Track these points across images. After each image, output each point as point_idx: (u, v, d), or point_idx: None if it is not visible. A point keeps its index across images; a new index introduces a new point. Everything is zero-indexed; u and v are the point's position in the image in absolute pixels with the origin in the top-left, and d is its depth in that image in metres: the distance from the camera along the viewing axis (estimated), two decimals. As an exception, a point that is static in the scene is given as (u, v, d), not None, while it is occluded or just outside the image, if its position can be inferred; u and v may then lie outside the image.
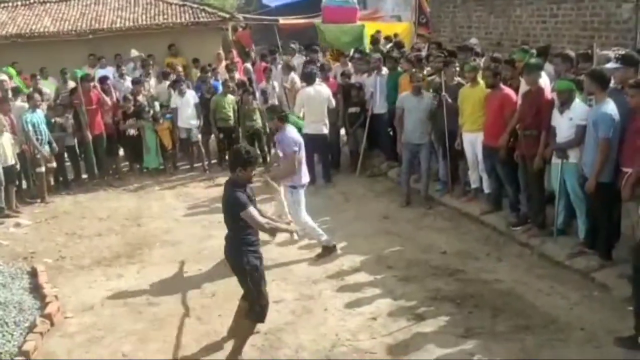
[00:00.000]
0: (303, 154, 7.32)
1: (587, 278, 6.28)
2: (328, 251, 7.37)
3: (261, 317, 5.27)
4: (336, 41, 14.11)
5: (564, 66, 7.25)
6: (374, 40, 13.23)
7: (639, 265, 4.85)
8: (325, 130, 9.96)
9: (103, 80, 11.59)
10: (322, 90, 9.90)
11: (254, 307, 5.24)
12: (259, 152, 11.39)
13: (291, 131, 7.25)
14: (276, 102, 11.65)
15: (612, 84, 6.35)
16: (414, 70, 9.15)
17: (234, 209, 5.04)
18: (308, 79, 9.95)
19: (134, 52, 14.64)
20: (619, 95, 6.04)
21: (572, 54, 7.49)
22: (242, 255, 5.13)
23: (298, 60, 13.14)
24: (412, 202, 8.96)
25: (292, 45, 14.37)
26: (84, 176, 11.26)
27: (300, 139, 7.33)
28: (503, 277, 6.53)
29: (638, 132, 5.62)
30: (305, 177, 7.43)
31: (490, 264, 6.90)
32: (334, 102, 10.09)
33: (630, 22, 8.62)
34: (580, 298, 5.96)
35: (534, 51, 8.22)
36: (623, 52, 6.62)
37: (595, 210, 6.40)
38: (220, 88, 11.65)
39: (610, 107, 5.99)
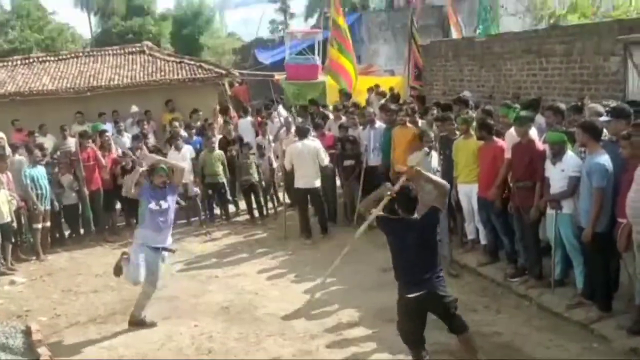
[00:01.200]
0: None
1: (586, 329, 6.22)
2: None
3: None
4: (299, 97, 14.43)
5: (555, 118, 7.38)
6: (382, 94, 13.43)
7: None
8: (317, 184, 10.02)
9: (102, 133, 11.71)
10: (310, 144, 9.98)
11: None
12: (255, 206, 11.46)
13: None
14: (272, 156, 11.79)
15: (606, 136, 6.47)
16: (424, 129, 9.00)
17: None
18: (301, 133, 10.08)
19: (134, 108, 14.82)
20: (614, 147, 6.12)
21: (562, 106, 7.63)
22: None
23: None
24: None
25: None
26: (81, 232, 11.24)
27: None
28: (502, 330, 6.47)
29: (631, 182, 5.67)
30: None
31: (489, 316, 6.85)
32: (324, 158, 10.04)
33: (618, 75, 8.81)
34: (580, 350, 5.90)
35: (517, 106, 8.35)
36: (614, 105, 6.76)
37: (592, 260, 6.40)
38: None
39: (604, 158, 6.07)
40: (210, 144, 11.43)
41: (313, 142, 10.10)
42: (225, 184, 11.54)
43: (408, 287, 5.25)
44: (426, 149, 7.71)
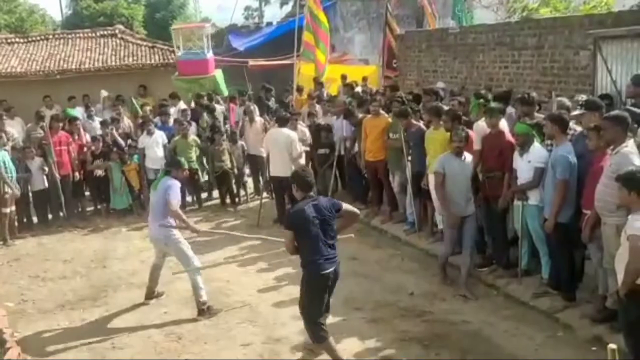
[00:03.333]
0: None
1: (551, 318, 6.36)
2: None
3: None
4: (189, 93, 14.36)
5: (528, 109, 7.44)
6: (350, 86, 13.38)
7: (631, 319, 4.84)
8: (290, 172, 10.02)
9: (72, 120, 11.56)
10: (286, 133, 9.98)
11: None
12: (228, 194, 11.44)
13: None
14: (244, 143, 11.74)
15: (572, 130, 6.59)
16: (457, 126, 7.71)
17: None
18: (280, 121, 10.14)
19: (104, 93, 14.62)
20: (585, 140, 6.23)
21: (534, 94, 7.73)
22: None
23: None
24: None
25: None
26: (49, 217, 11.10)
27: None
28: (470, 318, 6.57)
29: (597, 174, 5.79)
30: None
31: (458, 305, 6.95)
32: (298, 148, 10.00)
33: (588, 68, 8.95)
34: (545, 338, 6.03)
35: (489, 97, 8.48)
36: (586, 98, 6.88)
37: (557, 251, 6.53)
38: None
39: (568, 150, 6.19)
40: (184, 130, 11.33)
41: (288, 131, 10.09)
42: (199, 170, 11.48)
43: (321, 264, 5.39)
44: None
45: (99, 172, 11.16)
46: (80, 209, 11.47)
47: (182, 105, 13.36)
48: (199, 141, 11.37)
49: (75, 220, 11.15)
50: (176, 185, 7.08)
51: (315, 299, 5.53)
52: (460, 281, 7.29)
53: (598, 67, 8.71)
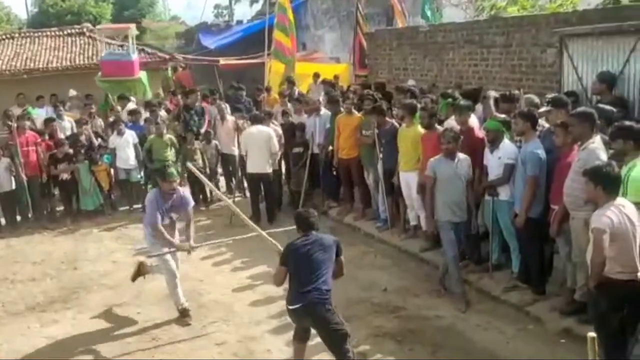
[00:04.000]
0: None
1: (521, 312, 6.48)
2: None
3: None
4: (113, 94, 14.26)
5: (509, 106, 7.52)
6: (330, 83, 13.38)
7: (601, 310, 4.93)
8: (269, 169, 10.08)
9: (48, 121, 11.40)
10: (264, 130, 10.03)
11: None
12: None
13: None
14: (218, 143, 11.68)
15: (547, 125, 6.72)
16: (445, 128, 7.43)
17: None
18: (255, 119, 10.20)
19: (72, 92, 14.44)
20: (552, 137, 6.35)
21: (514, 92, 7.87)
22: None
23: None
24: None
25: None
26: (17, 219, 10.92)
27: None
28: (443, 313, 6.66)
29: (564, 170, 5.91)
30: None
31: (431, 301, 7.03)
32: (276, 145, 10.14)
33: (554, 66, 9.10)
34: (516, 332, 6.14)
35: (457, 95, 8.62)
36: (553, 95, 7.01)
37: (527, 245, 6.66)
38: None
39: (538, 146, 6.31)
40: (159, 129, 11.23)
41: (266, 128, 10.14)
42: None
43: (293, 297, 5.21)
44: None
45: (65, 176, 10.95)
46: (49, 210, 11.28)
47: (131, 105, 13.20)
48: (175, 140, 11.26)
49: (45, 221, 10.97)
50: (151, 199, 6.85)
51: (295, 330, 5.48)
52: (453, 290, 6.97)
53: (564, 65, 8.84)
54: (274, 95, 13.62)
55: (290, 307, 5.15)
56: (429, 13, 14.65)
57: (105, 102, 14.09)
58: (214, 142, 11.61)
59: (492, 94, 7.98)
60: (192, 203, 7.18)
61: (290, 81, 13.82)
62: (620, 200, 4.73)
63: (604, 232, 4.56)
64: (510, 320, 6.38)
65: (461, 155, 6.90)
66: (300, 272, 5.13)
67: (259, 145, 9.98)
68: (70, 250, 9.58)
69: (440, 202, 6.85)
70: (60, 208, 11.51)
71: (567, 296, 6.20)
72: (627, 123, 5.48)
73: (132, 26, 16.13)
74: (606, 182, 4.66)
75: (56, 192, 11.45)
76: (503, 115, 7.28)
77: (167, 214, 6.86)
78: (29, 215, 10.90)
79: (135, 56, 15.03)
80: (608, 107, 6.40)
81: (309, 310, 5.06)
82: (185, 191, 7.20)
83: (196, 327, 6.69)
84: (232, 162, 11.62)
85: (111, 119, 12.18)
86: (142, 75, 14.98)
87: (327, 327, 5.08)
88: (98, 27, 18.26)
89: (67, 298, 7.68)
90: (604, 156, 5.37)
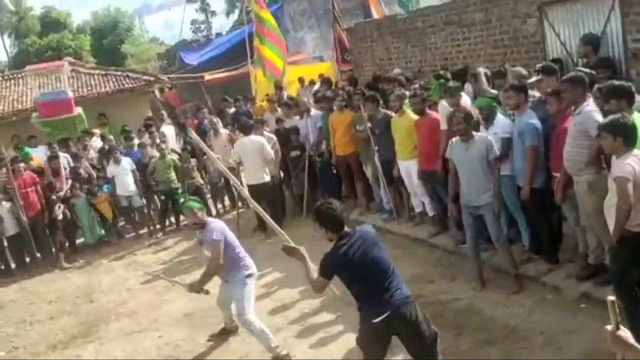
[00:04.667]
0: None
1: (538, 282, 6.49)
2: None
3: None
4: (55, 134, 14.13)
5: (501, 81, 7.51)
6: (328, 81, 13.36)
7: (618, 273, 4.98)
8: (267, 178, 10.06)
9: (52, 160, 11.43)
10: (255, 139, 10.04)
11: None
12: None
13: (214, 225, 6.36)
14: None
15: (537, 94, 6.73)
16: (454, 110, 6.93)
17: None
18: (245, 129, 10.13)
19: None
20: (544, 105, 6.37)
21: (481, 70, 7.90)
22: None
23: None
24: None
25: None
26: (27, 260, 10.92)
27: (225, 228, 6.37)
28: (460, 295, 6.67)
29: (561, 136, 5.92)
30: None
31: (446, 284, 7.05)
32: (270, 152, 10.09)
33: (537, 36, 9.12)
34: (535, 303, 6.15)
35: (449, 76, 8.63)
36: (542, 64, 7.03)
37: (533, 216, 6.67)
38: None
39: (532, 117, 6.32)
40: (161, 150, 11.29)
41: (257, 137, 10.14)
42: (179, 190, 11.46)
43: (371, 311, 4.57)
44: None
45: (60, 217, 10.90)
46: (59, 247, 11.24)
47: (97, 142, 13.19)
48: (177, 160, 11.31)
49: (54, 259, 10.96)
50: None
51: (369, 350, 4.74)
52: (511, 272, 6.61)
53: (546, 33, 8.87)
54: (260, 104, 13.65)
55: (377, 320, 4.44)
56: (404, 0, 14.65)
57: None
58: (204, 158, 11.64)
59: (482, 70, 7.99)
60: (213, 237, 6.17)
61: (277, 86, 13.84)
62: (636, 151, 4.74)
63: (627, 180, 4.59)
64: (528, 292, 6.38)
65: (478, 136, 6.47)
66: (368, 279, 4.50)
67: (251, 155, 9.96)
68: (84, 284, 9.60)
69: (460, 185, 6.65)
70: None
71: (581, 261, 6.21)
72: (617, 83, 5.50)
73: (65, 64, 16.06)
74: (626, 133, 4.68)
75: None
76: (493, 91, 7.29)
77: (203, 247, 6.40)
78: (37, 256, 10.88)
79: (70, 93, 14.90)
80: (586, 70, 6.41)
81: (399, 314, 4.46)
82: (215, 225, 6.31)
83: (219, 342, 6.69)
84: (232, 174, 11.61)
85: (106, 148, 12.19)
86: (79, 110, 14.82)
87: (419, 330, 4.53)
88: (28, 67, 17.95)
89: (87, 332, 7.70)
90: (599, 117, 5.38)
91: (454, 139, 6.66)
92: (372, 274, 4.52)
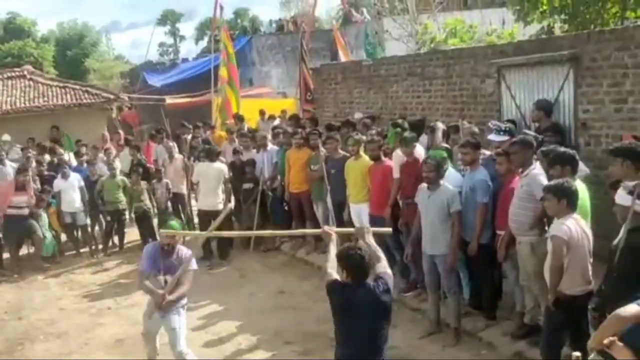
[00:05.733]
0: None
1: (475, 338, 6.55)
2: None
3: None
4: None
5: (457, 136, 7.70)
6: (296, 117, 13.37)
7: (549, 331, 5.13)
8: (220, 206, 9.99)
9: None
10: (216, 166, 10.11)
11: None
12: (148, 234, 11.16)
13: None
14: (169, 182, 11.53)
15: (488, 153, 6.92)
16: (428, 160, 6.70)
17: None
18: (209, 155, 10.22)
19: (6, 137, 14.05)
20: (494, 164, 6.54)
21: (440, 126, 8.10)
22: None
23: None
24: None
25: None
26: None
27: None
28: (398, 344, 6.63)
29: (508, 196, 6.08)
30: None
31: (385, 331, 7.03)
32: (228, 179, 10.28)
33: (494, 95, 9.40)
34: (470, 357, 6.21)
35: (406, 125, 8.81)
36: (507, 125, 7.26)
37: (478, 272, 6.78)
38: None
39: (485, 174, 6.48)
40: (112, 170, 11.11)
41: (220, 164, 10.27)
42: (126, 211, 11.24)
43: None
44: None
45: None
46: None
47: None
48: (127, 181, 11.13)
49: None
50: (147, 249, 6.24)
51: None
52: (451, 324, 6.66)
53: (503, 94, 9.15)
54: (219, 132, 13.63)
55: None
56: (369, 48, 14.97)
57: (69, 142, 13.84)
58: (164, 180, 11.48)
59: (441, 126, 8.17)
60: (193, 266, 6.18)
61: (238, 117, 13.86)
62: (576, 215, 4.92)
63: (562, 240, 4.76)
64: (464, 346, 6.44)
65: (444, 186, 6.49)
66: (343, 333, 4.41)
67: (211, 181, 9.96)
68: (14, 299, 9.23)
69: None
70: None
71: (518, 320, 6.31)
72: (563, 149, 5.70)
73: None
74: (569, 196, 4.86)
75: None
76: (445, 145, 7.46)
77: (160, 273, 5.99)
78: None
79: None
80: (533, 134, 6.66)
81: None
82: (188, 252, 6.18)
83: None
84: (181, 201, 11.50)
85: (55, 162, 11.92)
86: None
87: None
88: None
89: (11, 350, 7.38)
90: (545, 180, 5.55)
91: (422, 185, 6.69)
92: (344, 332, 4.38)
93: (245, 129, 13.27)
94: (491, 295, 6.75)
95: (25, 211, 10.36)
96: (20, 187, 10.46)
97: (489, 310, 6.71)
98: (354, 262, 4.25)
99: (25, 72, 18.05)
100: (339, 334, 4.44)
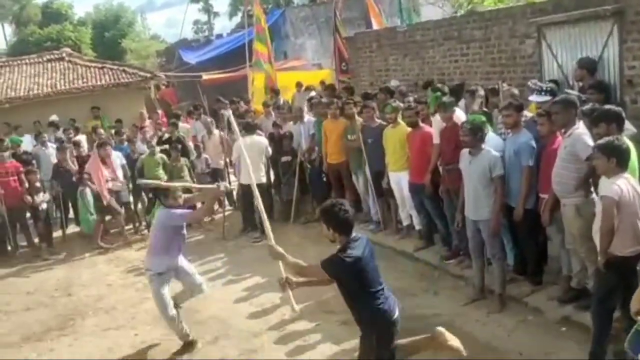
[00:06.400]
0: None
1: (520, 303, 6.45)
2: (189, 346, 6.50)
3: None
4: None
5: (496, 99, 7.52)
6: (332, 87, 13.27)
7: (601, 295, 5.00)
8: (264, 179, 10.08)
9: (27, 162, 11.19)
10: (257, 139, 10.14)
11: None
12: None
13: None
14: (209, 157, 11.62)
15: (529, 114, 6.72)
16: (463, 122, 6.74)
17: None
18: (248, 129, 10.17)
19: (54, 117, 14.37)
20: (535, 126, 6.35)
21: (481, 92, 7.91)
22: None
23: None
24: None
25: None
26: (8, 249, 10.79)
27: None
28: (441, 311, 6.62)
29: (550, 158, 5.90)
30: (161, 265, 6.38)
31: (428, 299, 7.00)
32: (270, 152, 10.34)
33: (534, 56, 9.12)
34: (516, 324, 6.11)
35: (446, 90, 8.61)
36: (549, 85, 7.03)
37: (522, 237, 6.63)
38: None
39: (529, 136, 6.28)
40: (151, 147, 11.24)
41: (261, 138, 10.31)
42: None
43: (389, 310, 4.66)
44: None
45: (43, 205, 10.76)
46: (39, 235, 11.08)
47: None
48: (166, 158, 11.24)
49: (34, 249, 10.81)
50: (175, 212, 6.37)
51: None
52: (495, 291, 6.56)
53: (543, 54, 8.87)
54: (255, 107, 13.62)
55: (395, 317, 4.66)
56: (404, 13, 14.66)
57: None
58: (204, 156, 11.57)
59: (482, 92, 7.96)
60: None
61: (274, 91, 13.83)
62: (627, 174, 4.75)
63: (613, 200, 4.60)
64: (510, 312, 6.34)
65: (485, 151, 6.30)
66: (373, 286, 4.58)
67: (252, 155, 9.93)
68: (64, 277, 9.48)
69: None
70: (58, 232, 11.36)
71: (564, 284, 6.19)
72: (608, 106, 5.49)
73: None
74: (620, 155, 4.69)
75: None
76: (484, 109, 7.29)
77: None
78: (17, 245, 10.73)
79: None
80: (576, 93, 6.42)
81: (398, 315, 4.71)
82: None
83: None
84: (220, 176, 11.57)
85: (97, 142, 12.09)
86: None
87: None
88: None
89: (63, 325, 7.59)
90: (589, 140, 5.37)
91: (464, 150, 6.54)
92: (376, 281, 4.62)
93: (282, 101, 13.25)
94: (536, 260, 6.61)
95: (119, 184, 10.83)
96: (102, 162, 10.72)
97: (534, 275, 6.59)
98: (342, 216, 4.52)
99: (64, 55, 18.32)
100: (373, 290, 4.60)
